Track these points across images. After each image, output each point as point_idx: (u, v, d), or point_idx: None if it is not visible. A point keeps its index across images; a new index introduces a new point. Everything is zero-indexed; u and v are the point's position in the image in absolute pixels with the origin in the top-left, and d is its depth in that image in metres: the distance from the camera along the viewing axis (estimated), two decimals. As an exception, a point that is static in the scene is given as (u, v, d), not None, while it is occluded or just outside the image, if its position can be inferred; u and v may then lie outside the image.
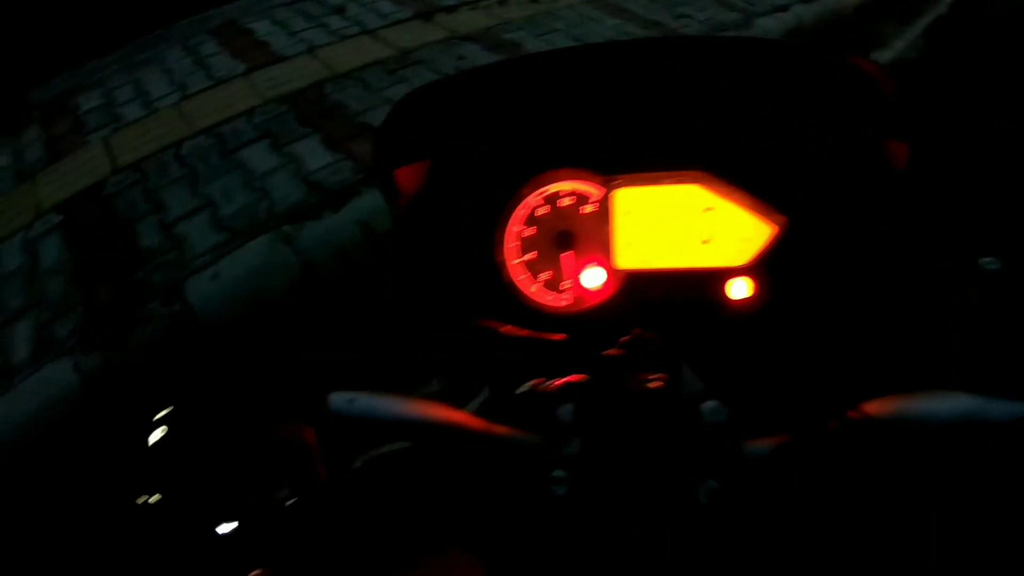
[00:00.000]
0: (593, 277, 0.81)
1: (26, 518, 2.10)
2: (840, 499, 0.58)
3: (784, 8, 4.20)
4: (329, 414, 0.65)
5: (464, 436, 0.67)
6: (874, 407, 0.56)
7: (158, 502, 0.61)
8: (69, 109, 3.88)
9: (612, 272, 0.80)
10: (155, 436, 0.63)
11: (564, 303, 0.83)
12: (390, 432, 0.69)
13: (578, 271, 0.81)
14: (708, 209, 0.74)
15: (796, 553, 0.59)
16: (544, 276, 0.83)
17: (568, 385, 0.65)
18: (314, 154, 2.86)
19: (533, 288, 0.83)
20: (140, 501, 0.61)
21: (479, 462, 0.70)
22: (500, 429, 0.66)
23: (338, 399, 0.66)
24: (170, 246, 2.60)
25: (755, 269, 0.74)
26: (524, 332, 0.84)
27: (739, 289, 0.75)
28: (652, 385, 0.60)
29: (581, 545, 0.58)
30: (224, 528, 0.62)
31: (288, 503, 0.71)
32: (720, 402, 0.58)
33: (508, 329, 0.84)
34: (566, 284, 0.82)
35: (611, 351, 0.68)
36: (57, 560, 2.00)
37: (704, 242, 0.76)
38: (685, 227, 0.76)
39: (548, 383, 0.69)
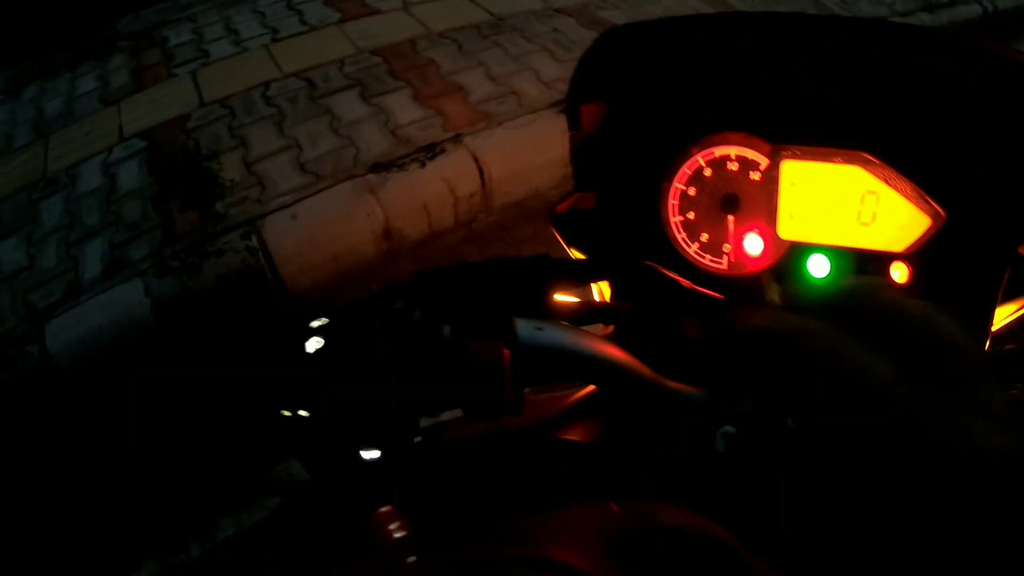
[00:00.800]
0: (754, 244, 0.80)
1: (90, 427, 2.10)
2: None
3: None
4: (515, 339, 0.59)
5: (637, 383, 0.62)
6: None
7: (303, 417, 0.55)
8: (157, 41, 3.89)
9: (773, 241, 0.79)
10: (311, 346, 0.57)
11: (722, 266, 0.82)
12: (570, 368, 0.64)
13: (740, 236, 0.81)
14: (870, 192, 0.74)
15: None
16: (704, 238, 0.83)
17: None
18: (403, 108, 2.81)
19: (692, 249, 0.83)
20: (286, 413, 0.55)
21: (643, 411, 0.65)
22: (669, 382, 0.62)
23: (526, 326, 0.60)
24: (251, 182, 2.57)
25: (911, 257, 0.73)
26: (690, 284, 0.79)
27: (898, 273, 0.74)
28: None
29: (736, 502, 0.55)
30: (367, 455, 0.56)
31: (428, 438, 0.65)
32: None
33: (682, 280, 0.79)
34: (727, 248, 0.82)
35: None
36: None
37: (863, 224, 0.75)
38: (845, 206, 0.75)
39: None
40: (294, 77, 3.12)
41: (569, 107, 0.84)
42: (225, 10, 4.05)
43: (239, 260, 2.30)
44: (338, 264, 2.36)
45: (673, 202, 0.82)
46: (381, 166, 2.51)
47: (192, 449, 2.01)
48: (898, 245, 0.73)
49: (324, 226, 2.36)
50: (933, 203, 0.71)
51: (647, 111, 0.83)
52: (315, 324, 0.58)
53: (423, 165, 2.51)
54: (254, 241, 2.32)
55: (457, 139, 2.63)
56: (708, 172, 0.81)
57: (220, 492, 1.98)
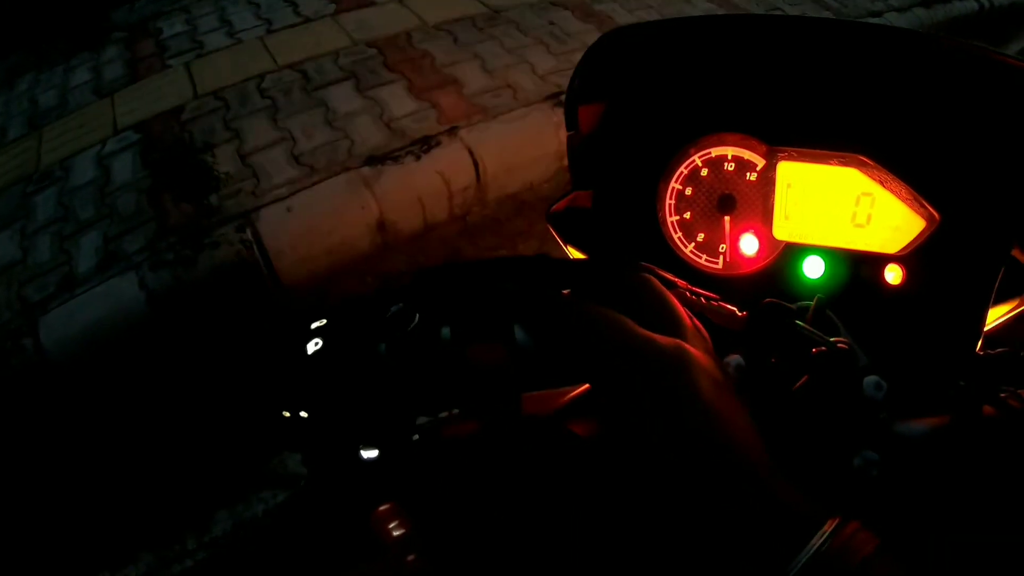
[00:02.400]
0: (750, 244, 0.80)
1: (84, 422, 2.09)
2: (993, 484, 0.56)
3: (878, 14, 4.15)
4: (514, 342, 0.58)
5: None
6: None
7: (303, 418, 0.55)
8: (151, 32, 3.87)
9: (768, 242, 0.79)
10: (311, 347, 0.57)
11: (718, 267, 0.82)
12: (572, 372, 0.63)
13: (736, 237, 0.81)
14: (865, 194, 0.74)
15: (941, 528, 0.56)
16: (700, 238, 0.83)
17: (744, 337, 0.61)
18: (398, 100, 2.81)
19: (688, 249, 0.83)
20: (286, 414, 0.55)
21: None
22: None
23: (524, 329, 0.59)
24: (246, 175, 2.56)
25: (906, 259, 0.73)
26: (685, 284, 0.80)
27: (892, 275, 0.75)
28: (840, 345, 0.58)
29: None
30: (367, 454, 0.56)
31: (426, 436, 0.65)
32: (881, 378, 0.56)
33: (678, 280, 0.80)
34: (723, 248, 0.82)
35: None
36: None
37: (857, 225, 0.75)
38: (841, 208, 0.76)
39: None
40: (289, 69, 3.11)
41: (568, 107, 0.84)
42: (219, 1, 4.03)
43: (233, 253, 2.30)
44: (332, 257, 2.36)
45: (670, 202, 0.83)
46: (376, 159, 2.51)
47: (188, 443, 2.02)
48: (892, 247, 0.73)
49: (318, 219, 2.36)
50: (928, 206, 0.71)
51: (645, 111, 0.83)
52: (315, 325, 0.58)
53: (418, 158, 2.50)
54: (248, 234, 2.32)
55: (452, 132, 2.63)
56: (705, 172, 0.81)
57: (216, 486, 1.98)
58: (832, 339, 0.58)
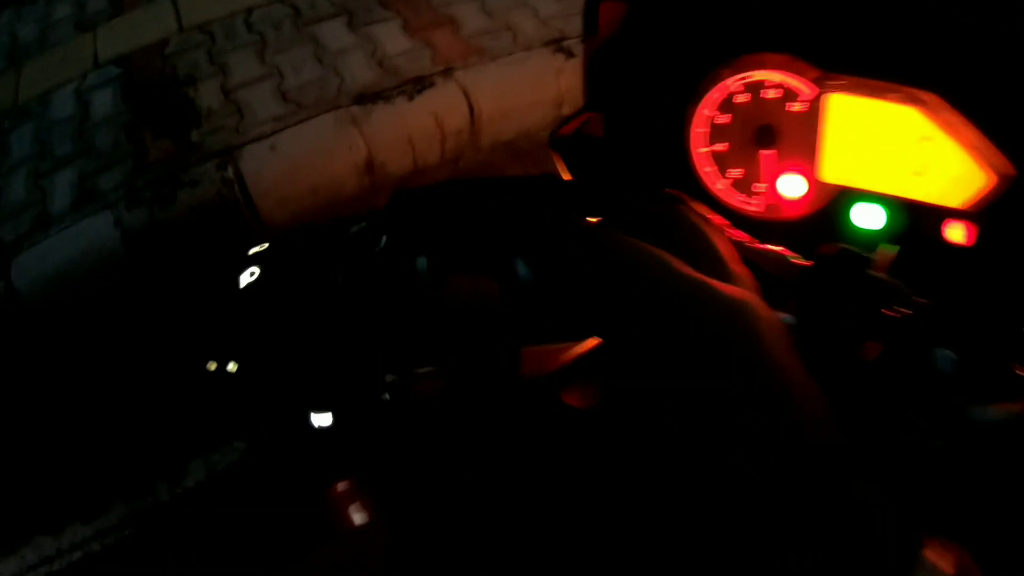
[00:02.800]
0: (792, 186, 0.71)
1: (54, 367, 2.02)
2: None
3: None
4: (514, 277, 0.47)
5: None
6: None
7: (233, 372, 0.44)
8: (137, -35, 3.72)
9: (815, 184, 0.70)
10: (244, 279, 0.45)
11: (754, 208, 0.73)
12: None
13: (776, 175, 0.71)
14: (925, 139, 0.65)
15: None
16: (734, 173, 0.73)
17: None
18: (392, 38, 2.69)
19: (719, 185, 0.73)
20: (211, 367, 0.44)
21: None
22: None
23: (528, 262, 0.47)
24: (230, 111, 2.46)
25: (973, 215, 0.65)
26: (721, 220, 0.70)
27: (955, 232, 0.66)
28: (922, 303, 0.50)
29: None
30: (318, 420, 0.45)
31: (393, 399, 0.54)
32: (953, 352, 0.47)
33: (712, 216, 0.69)
34: (760, 187, 0.72)
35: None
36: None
37: (916, 173, 0.66)
38: (897, 152, 0.67)
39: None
40: (278, 3, 2.98)
41: (588, 4, 0.72)
42: (209, -65, 3.87)
43: (214, 191, 2.20)
44: (317, 197, 2.27)
45: (699, 130, 0.72)
46: (366, 97, 2.40)
47: (162, 388, 1.94)
48: (955, 200, 0.64)
49: (304, 158, 2.26)
50: (1005, 158, 0.61)
51: (676, 19, 0.72)
52: (254, 251, 0.46)
53: (410, 98, 2.39)
54: (230, 172, 2.22)
55: (447, 73, 2.51)
56: (742, 98, 0.70)
57: (191, 434, 1.91)
58: (918, 300, 0.48)
